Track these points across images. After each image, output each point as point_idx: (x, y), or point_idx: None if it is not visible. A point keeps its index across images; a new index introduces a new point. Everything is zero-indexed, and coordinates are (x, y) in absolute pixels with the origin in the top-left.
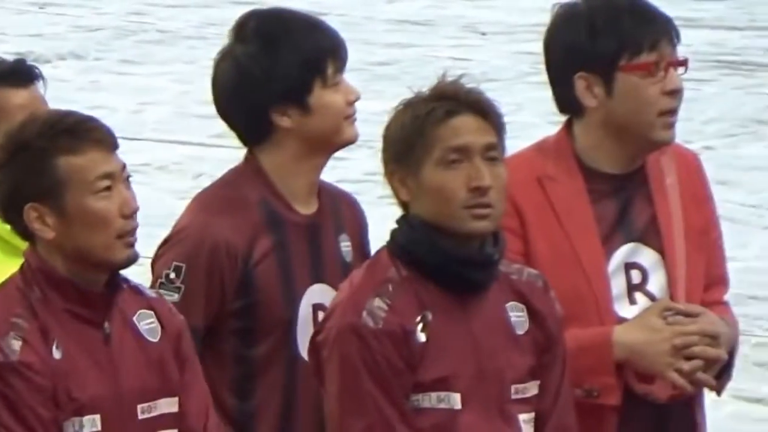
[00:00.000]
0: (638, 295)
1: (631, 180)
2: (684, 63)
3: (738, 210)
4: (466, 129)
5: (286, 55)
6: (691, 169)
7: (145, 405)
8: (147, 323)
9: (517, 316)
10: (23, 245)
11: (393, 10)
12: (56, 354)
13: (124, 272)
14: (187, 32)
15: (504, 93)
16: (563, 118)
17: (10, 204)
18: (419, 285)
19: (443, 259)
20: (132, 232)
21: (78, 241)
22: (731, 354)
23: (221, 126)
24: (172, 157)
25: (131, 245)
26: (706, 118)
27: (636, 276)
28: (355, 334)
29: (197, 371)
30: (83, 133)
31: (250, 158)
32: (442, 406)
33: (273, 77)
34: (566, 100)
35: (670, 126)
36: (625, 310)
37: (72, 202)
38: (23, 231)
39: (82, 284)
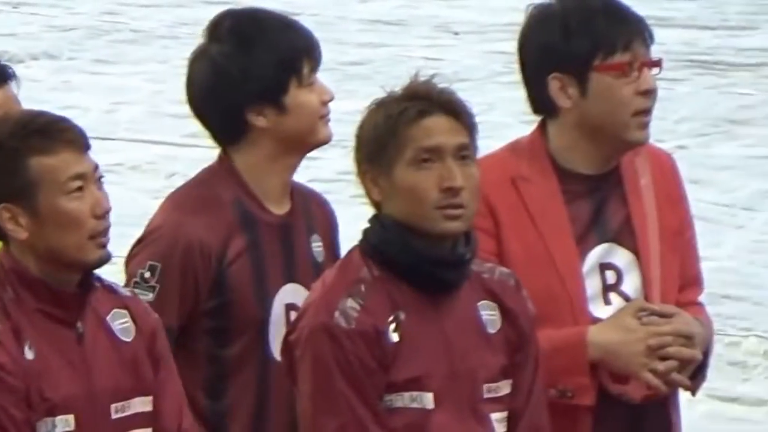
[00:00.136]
0: (613, 296)
1: (605, 180)
2: (658, 63)
3: (711, 209)
4: (438, 129)
5: (262, 55)
6: (665, 169)
7: (119, 404)
8: (121, 322)
9: (489, 314)
10: None
11: (366, 9)
12: (29, 354)
13: (98, 271)
14: (161, 32)
15: (476, 93)
16: (536, 118)
17: None
18: (391, 285)
19: (415, 259)
20: (104, 232)
21: (50, 241)
22: (706, 354)
23: (194, 125)
24: (145, 156)
25: (103, 245)
26: (679, 118)
27: (610, 276)
28: (327, 334)
29: (172, 370)
30: (55, 133)
31: (223, 158)
32: (415, 405)
33: (249, 77)
34: (540, 101)
35: (645, 126)
36: (599, 310)
37: (44, 202)
38: None
39: (54, 284)
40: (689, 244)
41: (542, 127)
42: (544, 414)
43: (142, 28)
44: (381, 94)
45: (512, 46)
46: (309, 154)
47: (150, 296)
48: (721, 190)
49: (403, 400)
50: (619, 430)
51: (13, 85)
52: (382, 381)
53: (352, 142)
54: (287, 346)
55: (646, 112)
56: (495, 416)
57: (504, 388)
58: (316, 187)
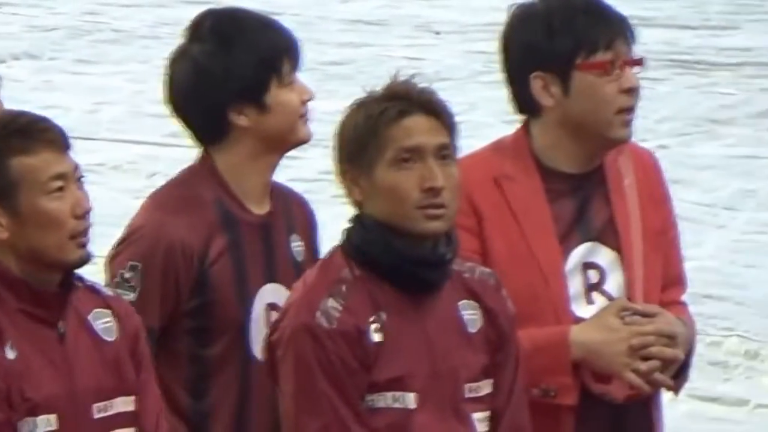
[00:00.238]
0: (595, 295)
1: (588, 179)
2: (640, 61)
3: (692, 209)
4: (418, 129)
5: (243, 54)
6: (648, 168)
7: (101, 404)
8: (103, 322)
9: (470, 314)
10: None
11: (347, 9)
12: (10, 354)
13: (79, 271)
14: (142, 32)
15: (457, 92)
16: (517, 118)
17: None
18: (373, 285)
19: (397, 259)
20: (85, 232)
21: (31, 241)
22: (688, 354)
23: (175, 125)
24: (126, 156)
25: (84, 245)
26: (660, 117)
27: (593, 276)
28: (309, 334)
29: (152, 373)
30: (36, 133)
31: (204, 158)
32: (397, 405)
33: (231, 76)
34: (523, 100)
35: (628, 124)
36: (582, 309)
37: (25, 202)
38: None
39: (35, 284)
40: (672, 243)
41: (525, 126)
42: (525, 413)
43: (124, 28)
44: (362, 94)
45: (493, 45)
46: (290, 154)
47: (131, 296)
48: (703, 189)
49: (386, 400)
50: (601, 430)
51: None
52: (364, 381)
53: (332, 142)
54: (269, 346)
55: (629, 110)
56: (477, 416)
57: (485, 387)
58: (298, 186)
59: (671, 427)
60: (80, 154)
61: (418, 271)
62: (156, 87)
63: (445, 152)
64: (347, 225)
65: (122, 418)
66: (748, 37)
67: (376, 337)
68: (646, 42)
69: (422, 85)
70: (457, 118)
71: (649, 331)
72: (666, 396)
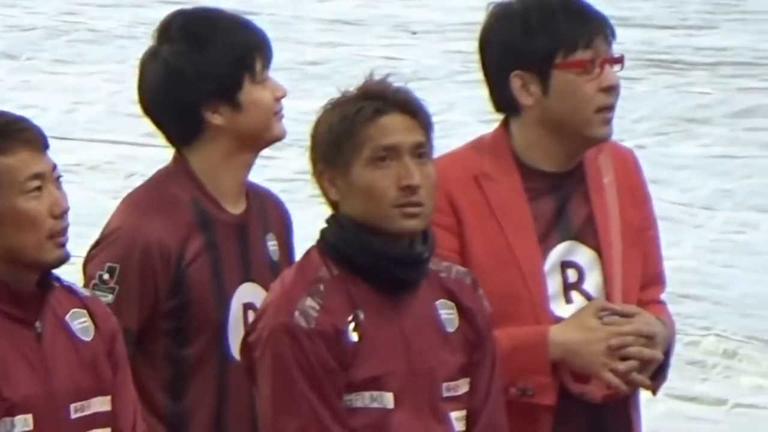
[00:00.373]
0: (574, 294)
1: (568, 178)
2: (619, 60)
3: (670, 208)
4: (394, 128)
5: (215, 53)
6: (628, 166)
7: (78, 404)
8: (80, 322)
9: (447, 313)
10: None
11: (324, 9)
12: None
13: (56, 272)
14: (119, 32)
15: (435, 92)
16: (495, 117)
17: None
18: (350, 284)
19: (373, 258)
20: (62, 231)
21: (9, 241)
22: (667, 354)
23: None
24: (104, 156)
25: (62, 245)
26: (637, 117)
27: (572, 275)
28: (287, 334)
29: (128, 374)
30: (13, 133)
31: (178, 158)
32: (375, 405)
33: (204, 75)
34: (502, 99)
35: (607, 122)
36: (561, 309)
37: (2, 202)
38: None
39: (13, 284)
40: (652, 242)
41: (505, 124)
42: (501, 412)
43: (101, 27)
44: (338, 94)
45: (471, 45)
46: (267, 154)
47: (109, 298)
48: (680, 189)
49: (363, 399)
50: (579, 430)
51: None
52: (342, 381)
53: (308, 142)
54: (246, 346)
55: (609, 108)
56: (454, 415)
57: (463, 386)
58: (275, 186)
59: (649, 426)
60: (58, 154)
61: (394, 270)
62: (133, 87)
63: (422, 151)
64: (324, 225)
65: (99, 418)
66: (725, 37)
67: (354, 337)
68: (623, 42)
69: (397, 84)
70: (434, 118)
71: (627, 331)
72: (644, 395)
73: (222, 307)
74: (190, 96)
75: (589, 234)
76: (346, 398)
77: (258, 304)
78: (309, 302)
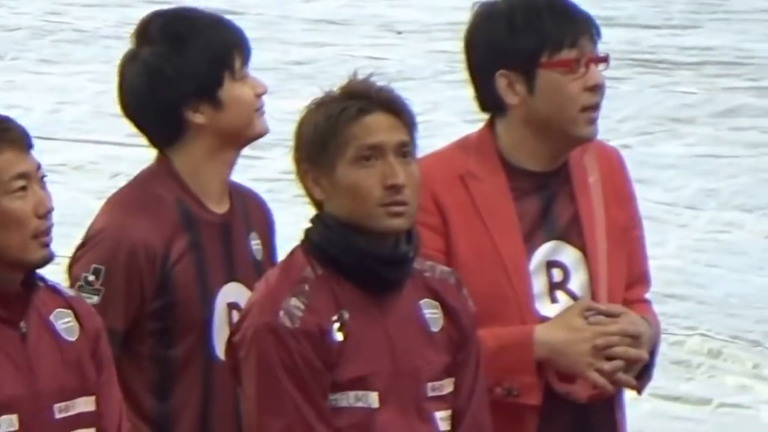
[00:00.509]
0: (559, 294)
1: (553, 178)
2: (605, 59)
3: (654, 208)
4: (378, 127)
5: (194, 52)
6: (613, 165)
7: (63, 404)
8: (64, 322)
9: (432, 313)
10: None
11: (309, 9)
12: None
13: (41, 272)
14: (104, 32)
15: (420, 92)
16: (479, 117)
17: None
18: (335, 284)
19: (358, 258)
20: (47, 231)
21: None
22: (652, 353)
23: None
24: (88, 156)
25: (47, 245)
26: (622, 117)
27: (557, 274)
28: (272, 334)
29: (113, 374)
30: None
31: (161, 158)
32: (360, 405)
33: (184, 75)
34: (487, 99)
35: (592, 122)
36: (546, 308)
37: None
38: None
39: None
40: (637, 241)
41: (490, 124)
42: (486, 412)
43: (86, 28)
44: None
45: (456, 45)
46: (252, 154)
47: (95, 299)
48: (665, 188)
49: (348, 399)
50: (565, 430)
51: None
52: (328, 380)
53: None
54: (231, 346)
55: (594, 107)
56: (439, 414)
57: (447, 386)
58: (260, 186)
59: (634, 426)
60: (42, 154)
61: (379, 269)
62: None
63: (406, 150)
64: (308, 224)
65: (83, 419)
66: (709, 37)
67: (339, 337)
68: (608, 41)
69: (381, 83)
70: (419, 118)
71: (613, 331)
72: (628, 395)
73: (207, 307)
74: (170, 96)
75: (574, 234)
76: (331, 398)
77: (242, 303)
78: (294, 302)
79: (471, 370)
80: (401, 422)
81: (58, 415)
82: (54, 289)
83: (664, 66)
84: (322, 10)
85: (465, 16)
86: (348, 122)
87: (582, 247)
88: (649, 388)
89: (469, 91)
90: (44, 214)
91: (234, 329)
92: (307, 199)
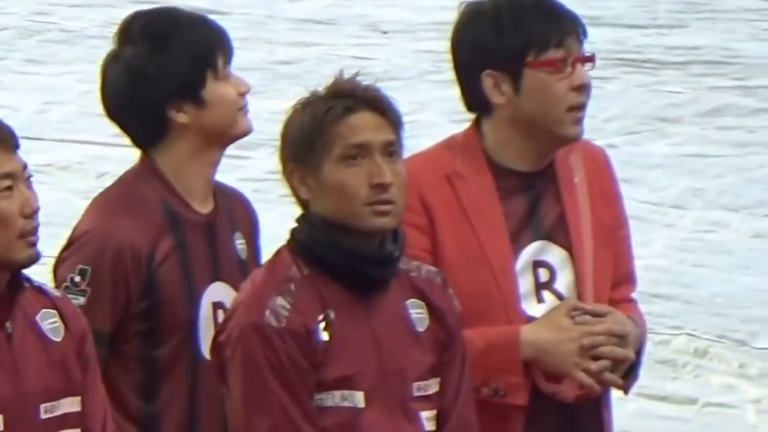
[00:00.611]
0: (546, 294)
1: (540, 177)
2: (591, 59)
3: (640, 208)
4: (364, 126)
5: (177, 52)
6: (599, 165)
7: (48, 404)
8: (50, 323)
9: (418, 313)
10: None
11: (295, 8)
12: None
13: (27, 272)
14: (91, 32)
15: (406, 92)
16: (466, 117)
17: None
18: (321, 283)
19: (344, 257)
20: (33, 231)
21: None
22: (639, 353)
23: None
24: (75, 156)
25: (33, 244)
26: (608, 116)
27: (543, 274)
28: (258, 333)
29: (98, 375)
30: None
31: (145, 159)
32: (346, 404)
33: (167, 74)
34: (474, 98)
35: (579, 121)
36: (532, 308)
37: None
38: None
39: None
40: (623, 241)
41: (476, 124)
42: (471, 412)
43: (73, 28)
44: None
45: (442, 44)
46: (238, 154)
47: (81, 300)
48: (651, 188)
49: (334, 399)
50: (551, 430)
51: None
52: (313, 380)
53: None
54: (217, 345)
55: (580, 107)
56: (425, 414)
57: (433, 386)
58: (246, 186)
59: (620, 425)
60: (29, 154)
61: (365, 268)
62: None
63: (392, 149)
64: (294, 224)
65: (69, 419)
66: (695, 36)
67: (325, 336)
68: (594, 41)
69: (367, 82)
70: (405, 118)
71: (599, 330)
72: (614, 394)
73: (192, 307)
74: (153, 96)
75: (560, 233)
76: (316, 397)
77: (228, 303)
78: (279, 301)
79: (457, 369)
80: (387, 422)
81: (43, 416)
82: (40, 290)
83: (650, 65)
84: (308, 10)
85: (451, 16)
86: (334, 121)
87: (568, 247)
88: (635, 388)
89: (455, 91)
90: (30, 213)
91: (220, 329)
92: (293, 199)
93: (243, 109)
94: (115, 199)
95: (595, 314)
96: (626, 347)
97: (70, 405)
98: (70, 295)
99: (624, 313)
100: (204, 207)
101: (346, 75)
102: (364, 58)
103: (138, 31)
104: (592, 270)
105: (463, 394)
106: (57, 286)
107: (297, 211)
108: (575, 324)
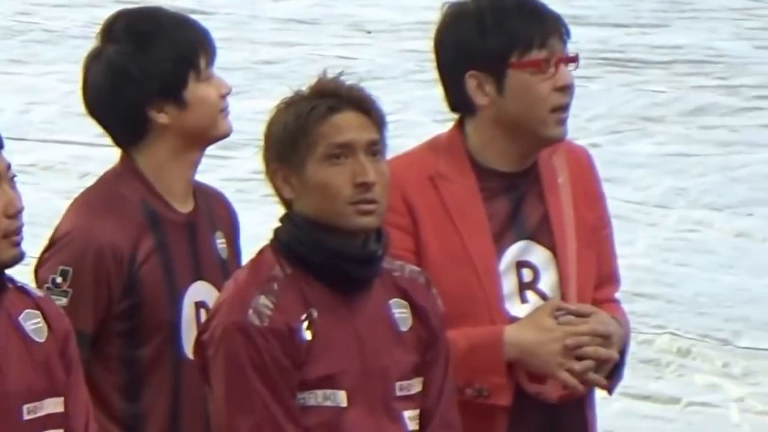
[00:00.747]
0: (529, 294)
1: (523, 178)
2: (574, 59)
3: (624, 207)
4: (348, 125)
5: (159, 52)
6: (582, 165)
7: (31, 405)
8: (33, 323)
9: (401, 312)
10: None
11: (278, 8)
12: None
13: (10, 272)
14: (73, 32)
15: (390, 91)
16: (449, 117)
17: None
18: (304, 283)
19: (327, 256)
20: (17, 231)
21: None
22: (622, 353)
23: None
24: (58, 156)
25: (17, 244)
26: (592, 116)
27: (527, 274)
28: (240, 333)
29: (81, 375)
30: None
31: (125, 159)
32: (328, 404)
33: (149, 74)
34: (457, 99)
35: (562, 122)
36: (516, 308)
37: None
38: None
39: None
40: (606, 240)
41: (460, 124)
42: (454, 412)
43: (55, 28)
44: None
45: (426, 44)
46: (222, 154)
47: (63, 301)
48: (634, 187)
49: (317, 398)
50: (535, 430)
51: None
52: (296, 379)
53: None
54: (200, 345)
55: (564, 108)
56: (408, 414)
57: (416, 385)
58: (230, 186)
59: (603, 425)
60: (12, 154)
61: (348, 268)
62: None
63: (376, 148)
64: (278, 224)
65: (52, 420)
66: (679, 35)
67: (308, 335)
68: (577, 40)
69: (350, 82)
70: (389, 117)
71: (583, 331)
72: (598, 394)
73: (175, 307)
74: (135, 96)
75: (544, 234)
76: (299, 396)
77: (210, 302)
78: (262, 300)
79: (440, 369)
80: (369, 421)
81: (26, 416)
82: (23, 290)
83: (633, 65)
84: (292, 10)
85: (435, 16)
86: (317, 121)
87: (552, 247)
88: (618, 387)
89: (438, 91)
90: (15, 213)
91: (202, 328)
92: (276, 199)
93: (224, 110)
94: (96, 200)
95: (579, 314)
96: (610, 347)
97: (54, 406)
98: (52, 296)
99: (608, 313)
100: (184, 207)
101: (330, 74)
102: (347, 58)
103: (121, 30)
104: (575, 270)
105: (446, 394)
106: (38, 287)
107: (280, 210)
108: (559, 324)
